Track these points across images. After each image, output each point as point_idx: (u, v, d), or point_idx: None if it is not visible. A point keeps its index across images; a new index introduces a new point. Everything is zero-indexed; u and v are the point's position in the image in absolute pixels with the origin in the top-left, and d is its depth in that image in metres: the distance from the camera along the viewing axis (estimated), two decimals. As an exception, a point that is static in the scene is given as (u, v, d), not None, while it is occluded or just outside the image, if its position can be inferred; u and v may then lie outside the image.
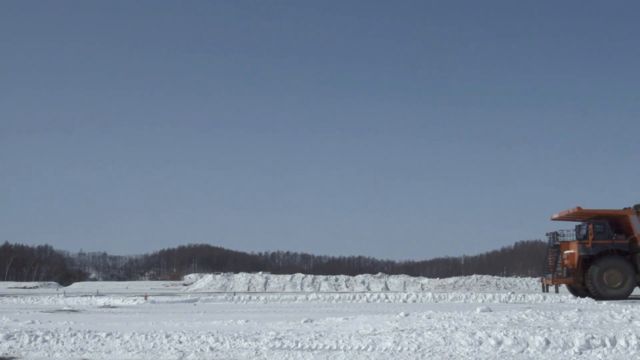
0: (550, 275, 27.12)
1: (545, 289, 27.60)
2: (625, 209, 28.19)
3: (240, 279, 47.19)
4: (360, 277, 44.85)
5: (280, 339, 8.98)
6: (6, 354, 8.55)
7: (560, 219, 28.16)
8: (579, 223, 27.69)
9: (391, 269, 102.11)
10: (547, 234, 27.95)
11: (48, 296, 27.88)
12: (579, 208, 26.80)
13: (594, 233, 26.36)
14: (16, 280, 77.41)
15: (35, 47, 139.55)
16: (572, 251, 26.49)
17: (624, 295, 24.58)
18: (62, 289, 48.73)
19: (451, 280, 47.60)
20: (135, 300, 23.28)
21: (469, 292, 29.41)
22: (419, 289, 42.17)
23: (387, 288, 40.97)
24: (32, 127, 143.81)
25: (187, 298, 24.54)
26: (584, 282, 26.05)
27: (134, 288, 54.94)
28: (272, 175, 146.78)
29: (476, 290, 38.03)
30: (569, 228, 27.77)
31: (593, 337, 8.36)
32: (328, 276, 46.20)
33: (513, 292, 24.30)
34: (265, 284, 45.71)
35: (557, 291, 27.19)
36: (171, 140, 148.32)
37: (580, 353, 7.94)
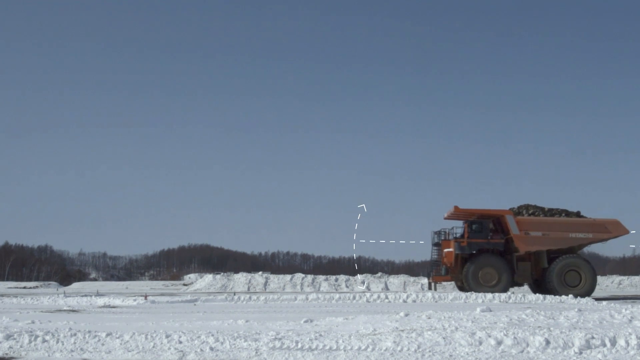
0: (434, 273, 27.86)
1: (429, 286, 28.22)
2: (519, 206, 28.63)
3: (240, 279, 47.18)
4: (360, 277, 44.84)
5: (280, 339, 8.98)
6: (6, 354, 8.55)
7: (449, 218, 28.51)
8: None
9: (391, 269, 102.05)
10: (434, 232, 28.33)
11: (48, 296, 27.87)
12: (456, 207, 27.31)
13: (470, 232, 26.91)
14: (16, 280, 77.39)
15: (35, 47, 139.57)
16: (450, 249, 26.99)
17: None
18: (62, 289, 48.72)
19: (451, 280, 47.61)
20: (135, 300, 23.27)
21: (469, 292, 29.35)
22: (419, 289, 42.17)
23: (387, 288, 40.96)
24: (32, 127, 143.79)
25: (187, 298, 24.53)
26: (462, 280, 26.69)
27: (134, 288, 54.92)
28: (272, 175, 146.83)
29: (476, 290, 38.01)
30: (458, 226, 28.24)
31: (593, 337, 8.36)
32: (328, 276, 46.19)
33: (513, 292, 24.28)
34: (265, 284, 45.70)
35: (435, 289, 27.50)
36: (171, 140, 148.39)
37: (580, 353, 7.94)
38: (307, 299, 22.88)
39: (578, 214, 28.00)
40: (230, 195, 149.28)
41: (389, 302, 21.51)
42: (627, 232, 27.41)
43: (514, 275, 26.70)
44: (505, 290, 25.72)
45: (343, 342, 8.62)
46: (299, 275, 47.34)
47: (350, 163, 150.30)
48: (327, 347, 8.36)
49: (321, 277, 45.58)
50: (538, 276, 27.14)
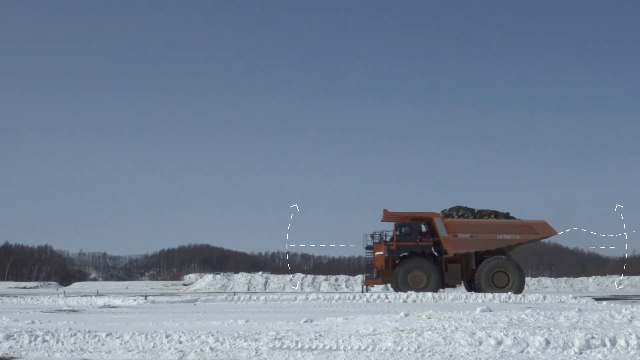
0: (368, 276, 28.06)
1: (362, 289, 28.35)
2: (450, 208, 28.76)
3: (240, 279, 47.20)
4: (361, 277, 44.86)
5: (280, 339, 8.98)
6: (6, 354, 8.55)
7: (384, 221, 28.77)
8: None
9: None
10: (370, 236, 28.49)
11: (48, 296, 27.88)
12: (385, 211, 27.49)
13: (400, 235, 27.12)
14: (16, 280, 77.39)
15: (35, 47, 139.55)
16: (380, 253, 27.17)
17: None
18: (62, 289, 48.74)
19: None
20: (135, 300, 23.28)
21: (469, 292, 29.38)
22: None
23: (387, 288, 40.95)
24: (32, 127, 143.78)
25: (187, 298, 24.53)
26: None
27: (134, 288, 54.96)
28: (272, 175, 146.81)
29: (476, 290, 38.01)
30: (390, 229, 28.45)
31: (593, 337, 8.36)
32: (328, 276, 46.22)
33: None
34: (265, 284, 45.71)
35: (367, 290, 27.72)
36: (171, 140, 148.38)
37: (580, 353, 7.94)
38: (307, 299, 22.89)
39: (507, 216, 28.26)
40: (230, 195, 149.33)
41: (389, 302, 21.51)
42: (554, 233, 27.78)
43: (444, 277, 26.93)
44: (434, 292, 25.79)
45: (343, 342, 8.62)
46: (299, 275, 47.36)
47: (351, 163, 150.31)
48: (327, 347, 8.36)
49: (321, 277, 45.62)
50: (469, 277, 27.38)
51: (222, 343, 8.81)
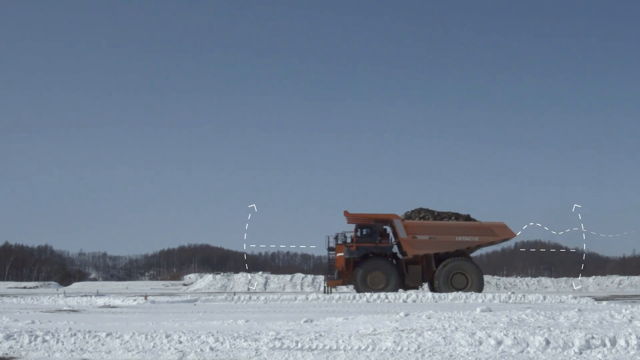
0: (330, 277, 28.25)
1: (325, 290, 28.48)
2: (412, 210, 28.92)
3: (240, 279, 47.22)
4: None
5: (280, 339, 8.98)
6: (6, 354, 8.55)
7: (350, 222, 28.79)
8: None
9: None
10: (334, 237, 28.65)
11: (48, 296, 27.89)
12: (346, 212, 27.73)
13: (360, 236, 27.35)
14: (16, 280, 77.43)
15: (36, 47, 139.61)
16: (340, 254, 27.31)
17: None
18: (62, 289, 48.76)
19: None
20: (135, 300, 23.29)
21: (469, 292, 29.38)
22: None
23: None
24: (32, 127, 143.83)
25: (187, 298, 24.54)
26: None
27: (134, 288, 54.99)
28: (273, 175, 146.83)
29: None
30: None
31: (593, 337, 8.36)
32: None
33: (513, 292, 24.30)
34: (265, 284, 45.74)
35: (330, 292, 27.87)
36: (171, 140, 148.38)
37: (580, 353, 7.94)
38: (307, 299, 22.90)
39: (467, 217, 28.36)
40: (230, 195, 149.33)
41: (389, 302, 21.51)
42: (513, 235, 27.94)
43: (404, 278, 27.07)
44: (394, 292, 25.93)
45: (343, 342, 8.63)
46: (299, 275, 47.40)
47: (350, 163, 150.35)
48: (327, 347, 8.36)
49: (321, 277, 45.60)
50: (430, 279, 27.47)
51: (222, 343, 8.82)
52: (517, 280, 47.34)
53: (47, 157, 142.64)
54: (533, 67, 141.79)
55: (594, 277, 47.53)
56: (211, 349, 8.50)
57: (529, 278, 49.95)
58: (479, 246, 28.21)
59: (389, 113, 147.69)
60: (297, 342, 8.68)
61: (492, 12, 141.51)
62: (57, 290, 47.31)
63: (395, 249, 28.10)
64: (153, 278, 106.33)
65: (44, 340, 9.25)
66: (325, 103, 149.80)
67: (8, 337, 9.44)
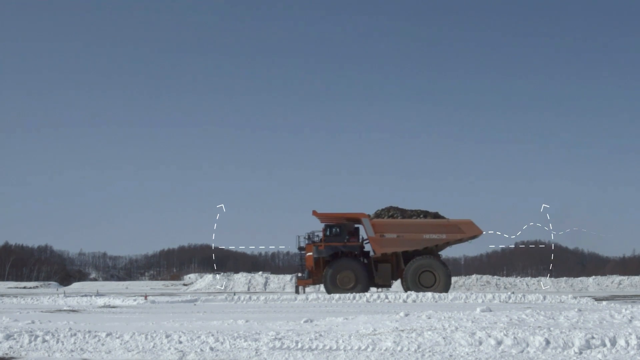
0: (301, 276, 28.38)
1: (296, 290, 28.55)
2: (382, 208, 28.92)
3: (240, 279, 47.24)
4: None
5: (280, 339, 8.98)
6: (6, 354, 8.55)
7: (323, 222, 28.80)
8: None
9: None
10: (305, 237, 28.66)
11: (48, 296, 27.90)
12: (314, 212, 27.81)
13: (328, 236, 27.45)
14: (16, 280, 77.38)
15: (35, 47, 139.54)
16: (310, 253, 27.45)
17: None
18: (62, 289, 48.75)
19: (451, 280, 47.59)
20: (135, 300, 23.29)
21: (469, 292, 29.39)
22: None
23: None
24: (32, 127, 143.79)
25: (187, 298, 24.55)
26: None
27: (134, 288, 54.96)
28: (272, 175, 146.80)
29: (476, 290, 38.04)
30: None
31: (593, 337, 8.36)
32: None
33: (513, 292, 24.30)
34: (265, 284, 45.73)
35: (302, 292, 27.98)
36: (171, 140, 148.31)
37: (580, 353, 7.94)
38: (307, 299, 22.90)
39: (436, 215, 28.42)
40: (230, 195, 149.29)
41: (389, 302, 21.52)
42: (480, 232, 27.92)
43: (374, 277, 27.18)
44: (363, 292, 25.86)
45: (343, 342, 8.63)
46: (298, 275, 47.28)
47: (350, 163, 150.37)
48: (327, 347, 8.36)
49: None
50: (401, 277, 27.54)
51: (222, 343, 8.82)
52: (517, 280, 47.32)
53: (47, 157, 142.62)
54: (533, 67, 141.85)
55: (594, 277, 47.50)
56: (211, 349, 8.51)
57: (529, 278, 49.92)
58: (447, 244, 28.22)
59: (388, 114, 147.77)
60: (297, 342, 8.68)
61: (492, 12, 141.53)
62: (57, 290, 47.31)
63: (368, 248, 28.22)
64: (153, 278, 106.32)
65: (44, 340, 9.26)
66: (325, 103, 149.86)
67: (8, 337, 9.45)
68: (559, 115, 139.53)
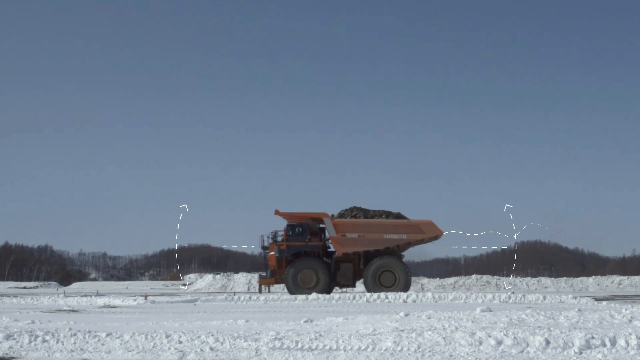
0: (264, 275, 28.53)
1: (259, 289, 28.84)
2: (345, 209, 29.14)
3: (240, 279, 47.26)
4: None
5: (280, 339, 8.98)
6: (6, 354, 8.55)
7: (289, 221, 28.85)
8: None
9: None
10: (269, 236, 28.74)
11: (48, 296, 27.91)
12: (276, 211, 27.94)
13: (290, 235, 27.53)
14: (16, 280, 77.36)
15: (35, 47, 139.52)
16: (272, 253, 27.60)
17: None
18: (62, 289, 48.74)
19: (451, 280, 47.66)
20: (135, 300, 23.30)
21: (469, 292, 29.40)
22: (419, 288, 42.14)
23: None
24: (31, 127, 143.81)
25: (187, 298, 24.56)
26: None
27: (134, 288, 54.96)
28: (272, 175, 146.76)
29: (476, 290, 38.04)
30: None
31: (593, 337, 8.37)
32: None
33: (513, 292, 24.30)
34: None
35: (265, 291, 28.28)
36: (171, 140, 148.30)
37: (580, 353, 7.94)
38: (307, 299, 22.91)
39: (398, 215, 28.49)
40: (230, 195, 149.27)
41: (389, 302, 21.52)
42: (441, 233, 28.01)
43: (336, 277, 27.27)
44: (324, 291, 25.98)
45: (343, 342, 8.63)
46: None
47: (350, 163, 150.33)
48: (327, 347, 8.37)
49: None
50: (362, 277, 27.57)
51: (222, 343, 8.82)
52: (517, 280, 47.33)
53: (47, 157, 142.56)
54: (533, 67, 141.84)
55: (594, 277, 47.50)
56: (211, 349, 8.51)
57: (529, 278, 49.93)
58: (409, 244, 28.27)
59: (388, 114, 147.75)
60: (297, 342, 8.68)
61: (492, 12, 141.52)
62: (57, 290, 47.30)
63: (332, 248, 28.28)
64: (153, 278, 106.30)
65: (44, 340, 9.26)
66: (324, 103, 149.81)
67: (8, 337, 9.45)
68: (559, 115, 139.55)
